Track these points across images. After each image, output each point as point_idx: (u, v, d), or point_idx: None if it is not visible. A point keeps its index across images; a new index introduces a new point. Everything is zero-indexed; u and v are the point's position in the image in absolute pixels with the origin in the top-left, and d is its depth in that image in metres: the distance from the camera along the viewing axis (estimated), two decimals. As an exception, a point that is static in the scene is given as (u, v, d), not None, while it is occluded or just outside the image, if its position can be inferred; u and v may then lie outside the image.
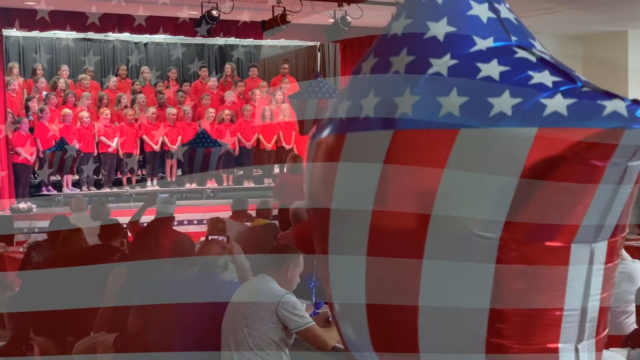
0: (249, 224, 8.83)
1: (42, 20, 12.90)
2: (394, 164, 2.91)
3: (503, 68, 2.84)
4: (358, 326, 3.16)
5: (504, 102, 2.74)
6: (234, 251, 6.25)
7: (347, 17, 13.44)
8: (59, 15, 13.18)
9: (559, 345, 2.81)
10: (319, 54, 18.24)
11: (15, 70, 14.66)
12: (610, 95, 2.65)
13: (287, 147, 15.57)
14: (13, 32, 14.76)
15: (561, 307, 2.78)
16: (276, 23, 12.88)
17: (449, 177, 2.79)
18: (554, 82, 2.75)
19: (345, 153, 3.10)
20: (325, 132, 3.25)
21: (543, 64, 2.86)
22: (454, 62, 2.92)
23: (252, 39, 16.88)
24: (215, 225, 7.70)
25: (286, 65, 17.05)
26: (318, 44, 17.94)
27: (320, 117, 10.33)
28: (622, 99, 2.62)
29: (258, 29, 13.73)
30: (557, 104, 2.67)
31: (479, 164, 2.75)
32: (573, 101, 2.66)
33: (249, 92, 16.15)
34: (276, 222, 9.44)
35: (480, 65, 2.87)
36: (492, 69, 2.84)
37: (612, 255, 2.88)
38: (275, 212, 10.30)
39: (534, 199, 2.70)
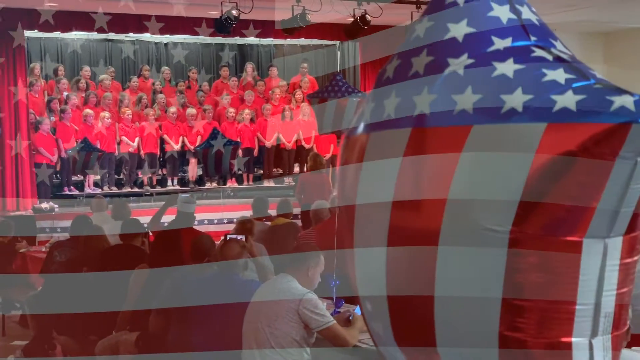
0: (269, 223, 8.85)
1: (62, 21, 13.00)
2: (412, 160, 3.00)
3: (518, 66, 2.90)
4: (381, 320, 3.24)
5: (516, 99, 2.80)
6: (254, 250, 6.26)
7: (367, 15, 13.43)
8: (78, 16, 13.26)
9: (572, 339, 2.84)
10: (338, 52, 18.23)
11: (37, 71, 14.74)
12: (621, 91, 2.67)
13: (307, 146, 15.57)
14: (34, 34, 14.83)
15: (574, 301, 2.82)
16: (295, 22, 12.88)
17: (462, 173, 2.86)
18: (566, 79, 2.80)
19: (368, 151, 3.21)
20: (355, 133, 3.37)
21: (559, 62, 2.91)
22: (470, 61, 3.00)
23: (271, 39, 16.90)
24: (243, 225, 7.69)
25: (306, 65, 17.06)
26: (337, 42, 17.92)
27: (339, 116, 10.38)
28: (632, 94, 2.64)
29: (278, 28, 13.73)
30: (567, 99, 2.71)
31: (491, 159, 2.81)
32: (582, 97, 2.71)
33: (269, 92, 16.17)
34: (296, 221, 9.43)
35: (496, 64, 2.94)
36: (507, 67, 2.91)
37: (631, 251, 2.90)
38: (296, 211, 10.32)
39: (544, 194, 2.74)
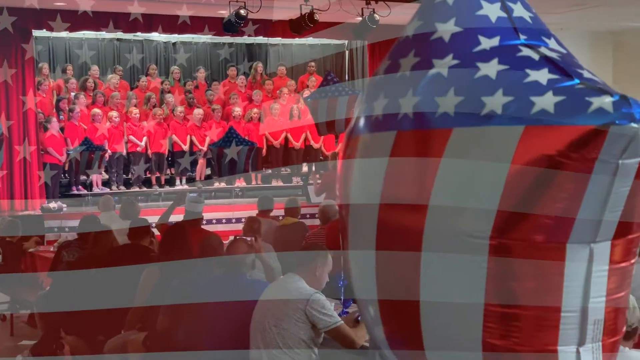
0: (277, 222, 8.84)
1: (70, 20, 13.01)
2: (398, 163, 2.97)
3: (501, 67, 2.82)
4: (374, 323, 3.22)
5: (496, 101, 2.72)
6: (261, 250, 6.24)
7: (375, 15, 13.42)
8: (86, 15, 13.26)
9: (558, 347, 2.76)
10: (346, 52, 18.23)
11: (46, 71, 14.77)
12: (603, 92, 2.58)
13: (315, 145, 15.56)
14: (43, 33, 14.86)
15: (558, 308, 2.73)
16: (304, 21, 12.87)
17: (443, 177, 2.80)
18: (549, 80, 2.71)
19: (359, 154, 3.20)
20: (352, 134, 3.34)
21: (544, 61, 2.82)
22: (455, 62, 2.93)
23: (280, 38, 16.90)
24: (251, 225, 7.69)
25: (314, 64, 17.05)
26: (346, 42, 17.91)
27: (331, 115, 10.42)
28: (612, 95, 2.55)
29: (286, 27, 13.74)
30: (546, 101, 2.64)
31: (470, 164, 2.75)
32: (562, 98, 2.63)
33: (277, 91, 16.17)
34: (304, 221, 9.42)
35: (480, 64, 2.86)
36: (490, 68, 2.83)
37: (627, 254, 2.81)
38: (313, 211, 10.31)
39: (523, 199, 2.67)
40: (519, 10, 3.05)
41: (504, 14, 3.01)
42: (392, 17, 13.34)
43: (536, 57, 2.85)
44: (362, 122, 3.22)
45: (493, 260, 2.73)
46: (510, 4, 3.04)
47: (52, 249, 9.56)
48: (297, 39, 16.39)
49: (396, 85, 3.06)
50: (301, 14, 12.91)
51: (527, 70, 2.77)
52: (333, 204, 8.12)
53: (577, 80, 2.69)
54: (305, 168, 15.87)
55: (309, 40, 17.36)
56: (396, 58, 3.15)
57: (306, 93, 16.00)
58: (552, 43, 3.01)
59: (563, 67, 2.77)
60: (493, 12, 3.01)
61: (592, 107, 2.55)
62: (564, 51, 2.98)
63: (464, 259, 2.77)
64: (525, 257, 2.71)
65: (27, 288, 8.80)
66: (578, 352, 2.77)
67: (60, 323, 6.67)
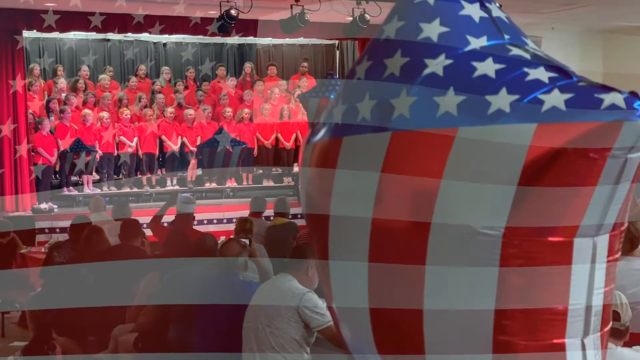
0: (268, 222, 8.85)
1: (60, 21, 12.99)
2: (393, 166, 2.91)
3: (498, 66, 2.83)
4: (360, 329, 3.13)
5: (502, 99, 2.73)
6: (256, 253, 6.23)
7: (366, 15, 13.42)
8: (76, 16, 13.25)
9: (566, 340, 2.80)
10: (337, 52, 18.23)
11: (36, 72, 14.73)
12: (607, 89, 2.64)
13: (306, 145, 15.56)
14: (33, 34, 14.82)
15: (566, 301, 2.77)
16: (294, 22, 12.88)
17: (450, 176, 2.78)
18: (550, 78, 2.74)
19: (342, 157, 3.08)
20: (321, 136, 3.23)
21: (537, 60, 2.85)
22: (449, 61, 2.91)
23: (270, 38, 16.88)
24: (242, 225, 7.68)
25: (305, 64, 17.06)
26: (336, 42, 17.92)
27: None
28: (619, 91, 2.61)
29: (277, 27, 13.73)
30: (555, 99, 2.67)
31: (480, 161, 2.75)
32: (570, 96, 2.66)
33: (268, 91, 16.17)
34: (295, 221, 9.42)
35: (475, 64, 2.86)
36: (487, 67, 2.84)
37: (612, 249, 2.86)
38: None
39: (536, 194, 2.69)
40: (495, 11, 3.06)
41: (485, 15, 3.02)
42: (383, 16, 13.29)
43: (527, 55, 2.87)
44: (340, 125, 3.12)
45: (504, 257, 2.74)
46: (487, 5, 3.06)
47: (43, 250, 9.55)
48: (287, 39, 16.39)
49: (385, 86, 3.01)
50: (292, 13, 12.92)
51: (525, 69, 2.79)
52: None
53: (575, 79, 2.74)
54: (295, 168, 15.88)
55: (300, 40, 17.36)
56: (379, 59, 3.10)
57: (297, 93, 16.02)
58: (530, 42, 3.05)
59: (557, 66, 2.80)
60: (475, 12, 3.02)
61: (605, 103, 2.59)
62: (541, 51, 3.02)
63: (474, 260, 2.77)
64: (536, 252, 2.74)
65: (18, 289, 8.77)
66: (583, 343, 2.83)
67: (52, 324, 6.66)
